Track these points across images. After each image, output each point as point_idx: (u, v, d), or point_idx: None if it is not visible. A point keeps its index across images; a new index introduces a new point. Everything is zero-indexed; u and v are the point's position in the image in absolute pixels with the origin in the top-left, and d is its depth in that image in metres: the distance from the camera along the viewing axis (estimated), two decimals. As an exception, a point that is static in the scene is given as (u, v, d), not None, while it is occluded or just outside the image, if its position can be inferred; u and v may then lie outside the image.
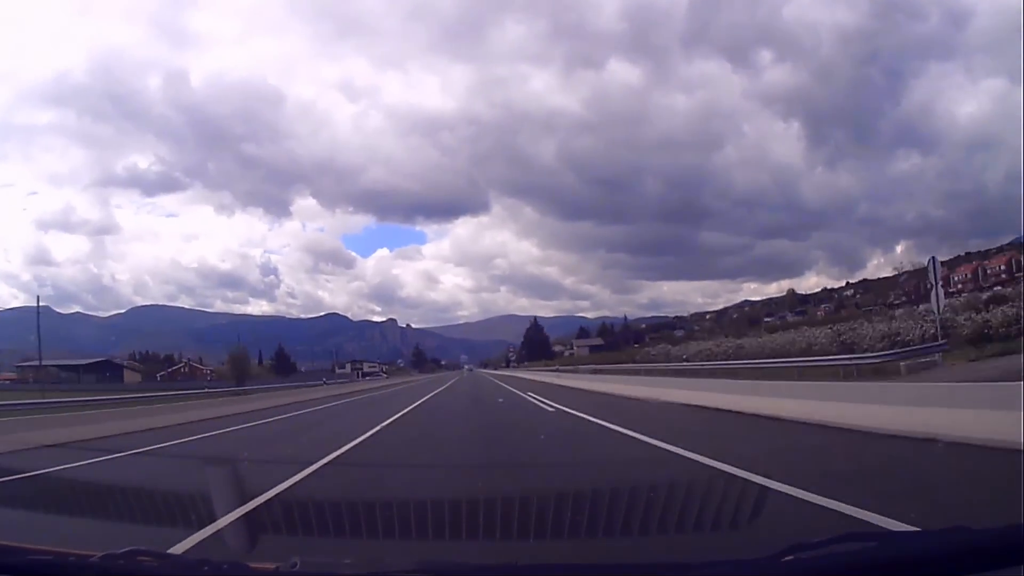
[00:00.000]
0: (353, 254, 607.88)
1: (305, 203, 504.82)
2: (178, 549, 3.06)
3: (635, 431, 9.71)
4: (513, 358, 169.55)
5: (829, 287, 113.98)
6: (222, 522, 3.64)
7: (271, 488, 5.70)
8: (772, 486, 4.88)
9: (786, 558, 1.82)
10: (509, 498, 4.61)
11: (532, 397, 21.85)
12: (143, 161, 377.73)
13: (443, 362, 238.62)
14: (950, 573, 1.70)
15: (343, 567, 2.26)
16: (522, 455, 8.94)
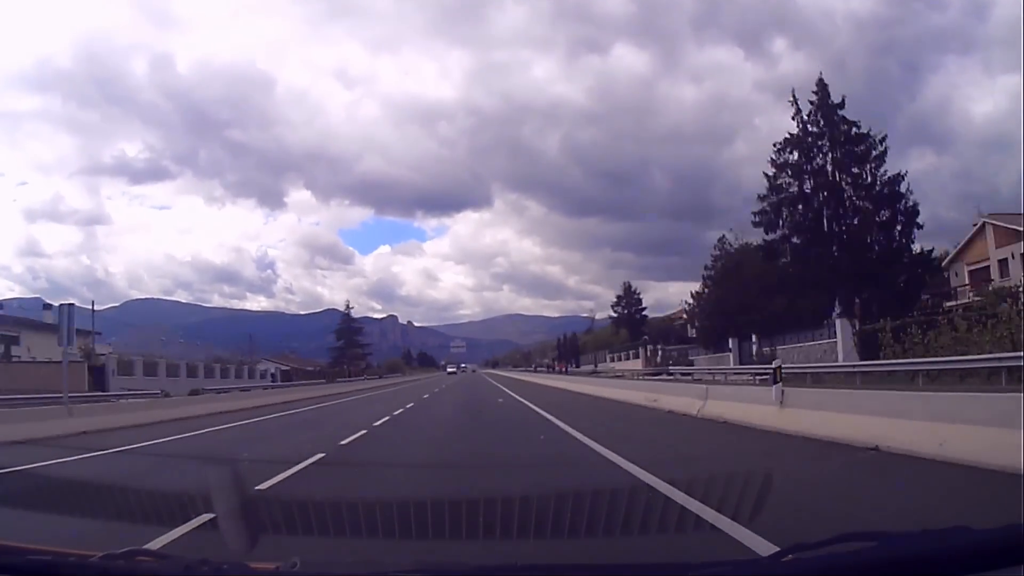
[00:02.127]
0: (351, 249, 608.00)
1: (299, 195, 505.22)
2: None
3: None
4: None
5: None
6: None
7: None
8: None
9: (786, 558, 1.87)
10: (508, 498, 4.67)
11: None
12: (131, 149, 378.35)
13: (442, 362, 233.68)
14: (950, 573, 1.73)
15: (343, 567, 2.32)
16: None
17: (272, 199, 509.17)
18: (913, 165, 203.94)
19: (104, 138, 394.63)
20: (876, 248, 34.93)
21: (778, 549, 1.91)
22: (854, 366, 27.77)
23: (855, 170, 36.01)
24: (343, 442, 11.75)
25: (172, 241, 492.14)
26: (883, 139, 36.00)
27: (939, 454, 7.29)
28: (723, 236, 52.45)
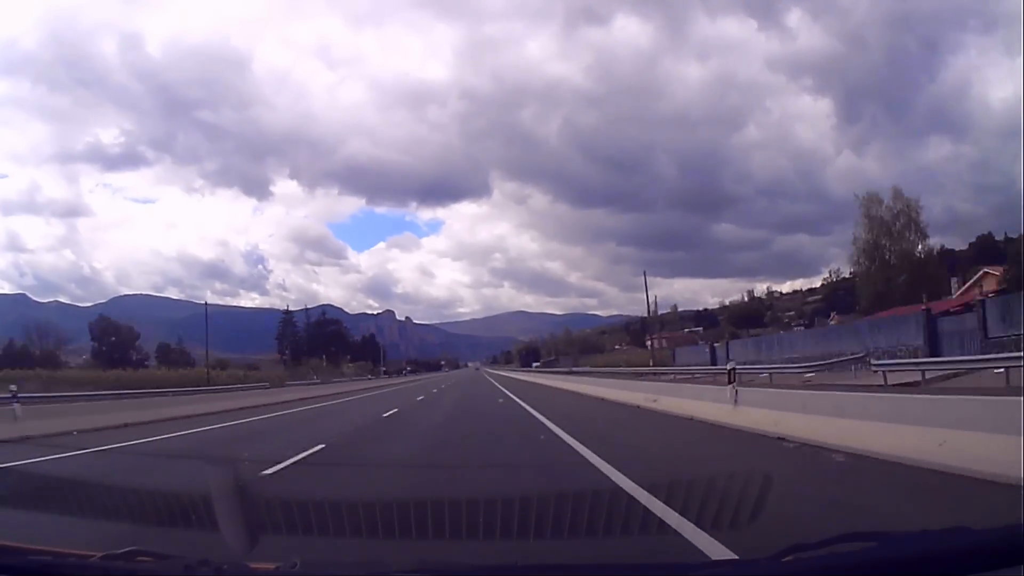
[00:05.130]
0: (342, 243, 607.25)
1: (286, 186, 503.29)
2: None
3: None
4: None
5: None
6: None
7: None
8: None
9: (786, 558, 1.92)
10: (509, 499, 4.79)
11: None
12: (107, 135, 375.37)
13: (443, 362, 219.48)
14: (950, 573, 1.79)
15: (343, 567, 2.40)
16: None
17: (258, 189, 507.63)
18: (929, 155, 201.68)
19: (78, 124, 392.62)
20: None
21: (778, 550, 1.97)
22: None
23: None
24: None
25: (158, 236, 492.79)
26: None
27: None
28: None
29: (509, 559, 3.44)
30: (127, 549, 2.17)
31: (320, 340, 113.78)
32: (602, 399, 24.78)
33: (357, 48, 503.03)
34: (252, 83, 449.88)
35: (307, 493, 6.79)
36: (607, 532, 4.22)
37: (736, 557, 3.73)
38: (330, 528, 4.29)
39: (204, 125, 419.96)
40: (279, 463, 9.56)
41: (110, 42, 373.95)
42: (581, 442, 11.09)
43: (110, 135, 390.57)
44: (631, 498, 5.60)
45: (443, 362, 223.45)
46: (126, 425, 18.66)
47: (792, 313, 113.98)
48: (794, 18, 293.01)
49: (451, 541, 4.18)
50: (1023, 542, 1.86)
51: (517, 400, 26.44)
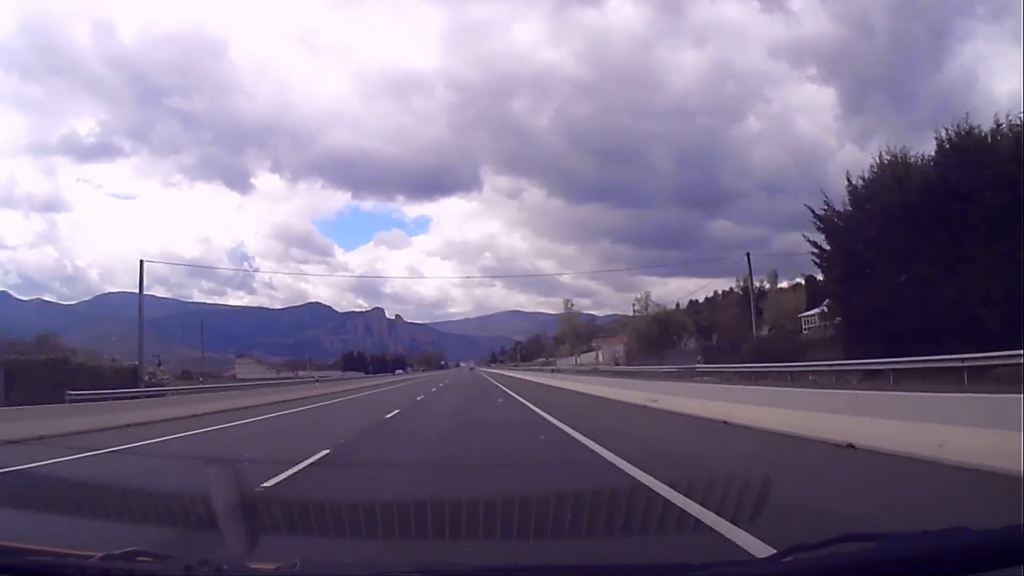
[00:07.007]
0: (328, 240, 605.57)
1: (271, 183, 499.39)
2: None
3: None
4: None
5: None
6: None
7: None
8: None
9: (786, 558, 1.96)
10: (508, 499, 4.85)
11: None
12: (83, 126, 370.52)
13: (442, 360, 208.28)
14: (950, 573, 1.82)
15: (343, 567, 2.42)
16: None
17: (239, 182, 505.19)
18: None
19: (53, 114, 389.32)
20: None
21: (777, 550, 2.01)
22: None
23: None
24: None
25: (141, 232, 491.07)
26: None
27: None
28: None
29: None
30: (127, 549, 2.18)
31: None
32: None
33: (339, 34, 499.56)
34: (229, 70, 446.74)
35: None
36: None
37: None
38: (330, 528, 4.32)
39: (180, 114, 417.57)
40: None
41: (83, 29, 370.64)
42: None
43: (85, 125, 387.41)
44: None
45: (442, 360, 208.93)
46: None
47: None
48: (798, 0, 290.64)
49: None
50: (1023, 542, 1.88)
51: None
